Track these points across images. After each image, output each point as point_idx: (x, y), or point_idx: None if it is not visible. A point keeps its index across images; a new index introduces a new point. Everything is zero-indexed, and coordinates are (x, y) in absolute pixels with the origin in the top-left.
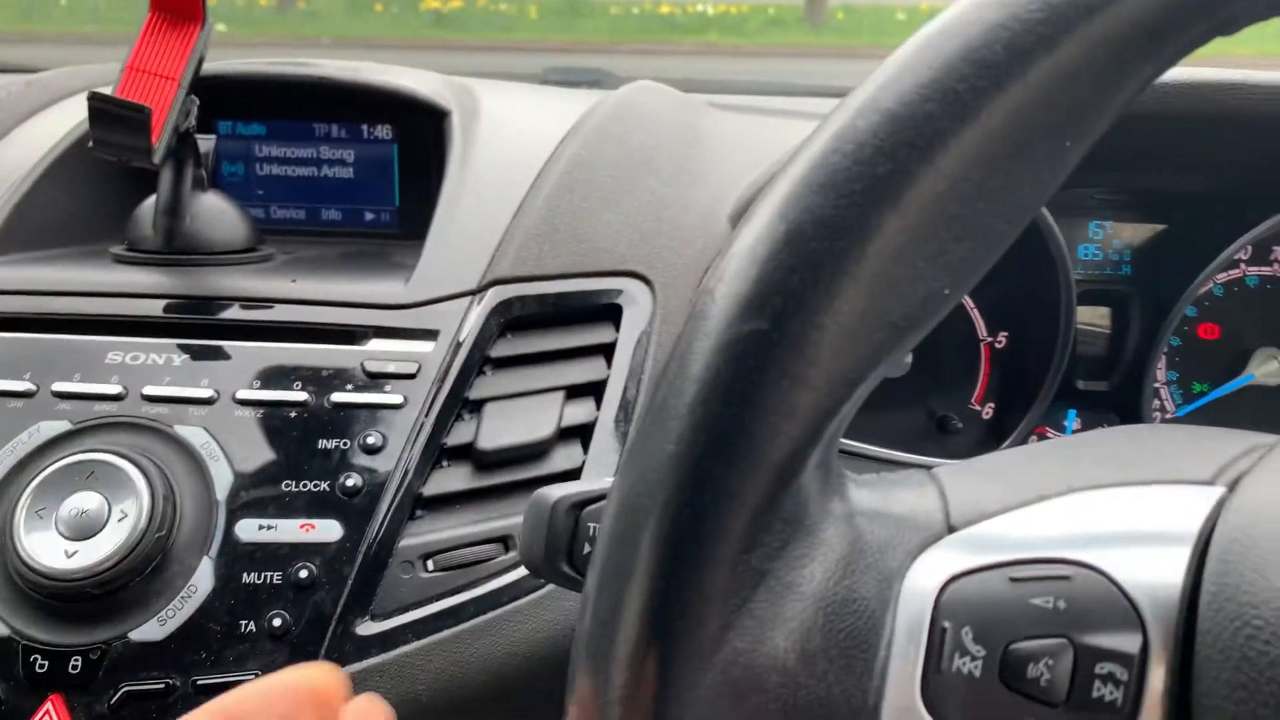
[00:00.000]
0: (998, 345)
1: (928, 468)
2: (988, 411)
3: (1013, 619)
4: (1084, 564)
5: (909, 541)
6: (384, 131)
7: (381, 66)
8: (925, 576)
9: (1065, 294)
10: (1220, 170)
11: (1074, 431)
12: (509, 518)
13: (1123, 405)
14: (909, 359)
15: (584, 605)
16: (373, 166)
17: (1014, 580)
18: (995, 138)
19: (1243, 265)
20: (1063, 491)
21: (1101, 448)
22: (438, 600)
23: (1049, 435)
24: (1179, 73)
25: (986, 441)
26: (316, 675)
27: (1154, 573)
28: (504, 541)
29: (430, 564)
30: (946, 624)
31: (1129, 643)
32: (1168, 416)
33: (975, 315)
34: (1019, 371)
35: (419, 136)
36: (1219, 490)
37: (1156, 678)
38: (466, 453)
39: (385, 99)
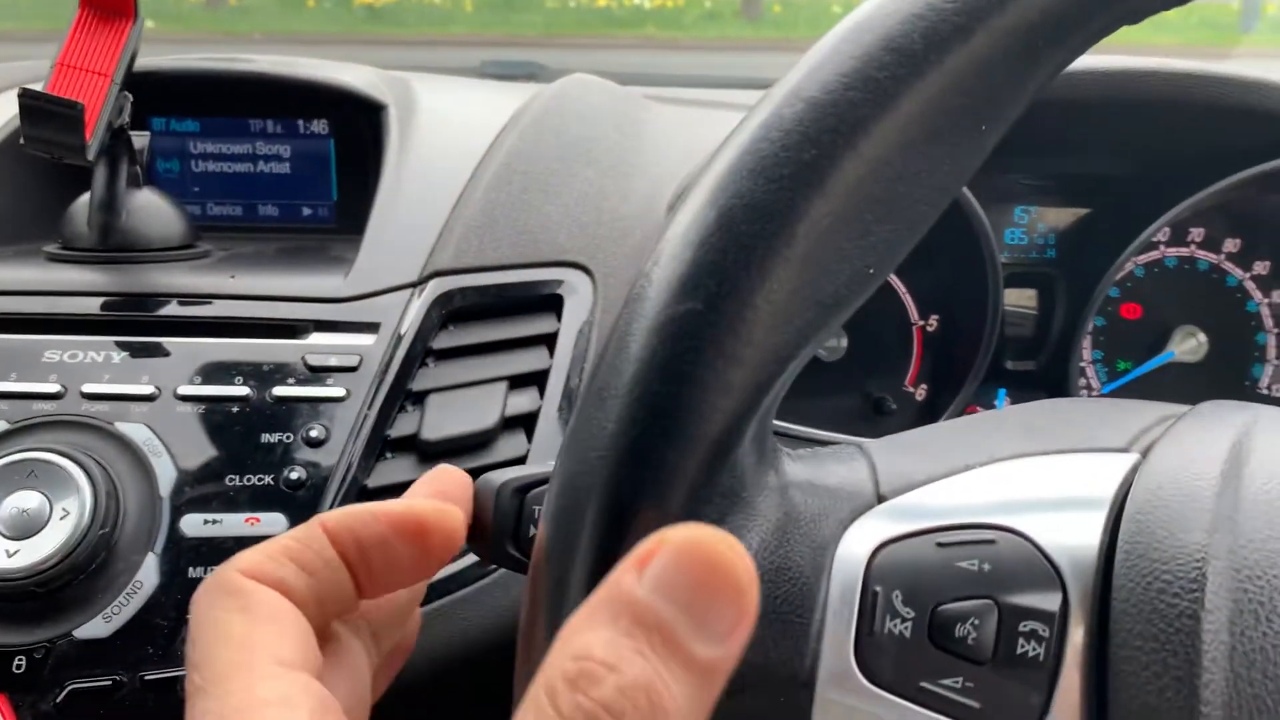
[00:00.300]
0: (929, 328)
1: None
2: (921, 393)
3: (940, 582)
4: (1007, 528)
5: (841, 511)
6: (320, 126)
7: (316, 62)
8: (857, 544)
9: (992, 278)
10: (1140, 155)
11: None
12: None
13: (1050, 384)
14: (844, 343)
15: (529, 584)
16: (309, 162)
17: (941, 545)
18: (914, 123)
19: (1162, 247)
20: (986, 461)
21: (1023, 420)
22: None
23: None
24: (1096, 60)
25: (920, 422)
26: (411, 506)
27: (1073, 535)
28: None
29: None
30: (878, 588)
31: (1050, 601)
32: (1094, 394)
33: (907, 299)
34: (950, 353)
35: (355, 131)
36: (1133, 457)
37: (1076, 633)
38: (411, 444)
39: (321, 94)
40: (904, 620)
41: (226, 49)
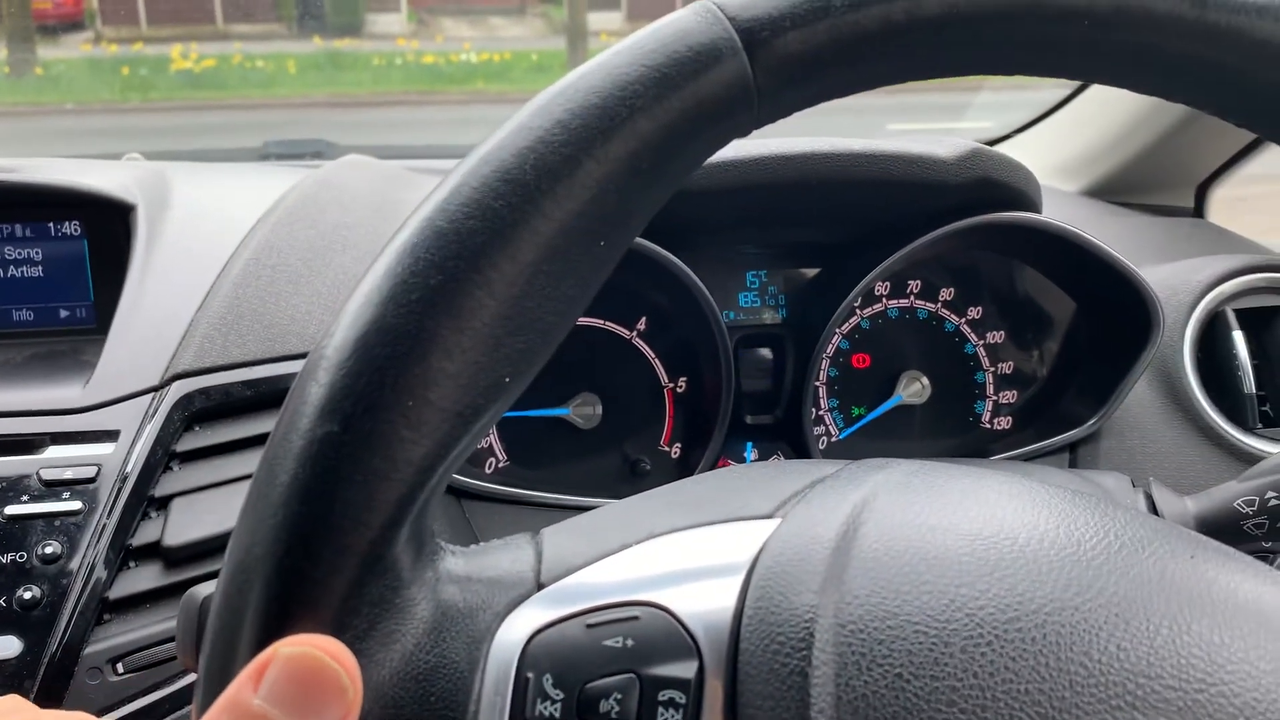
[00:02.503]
0: (679, 390)
1: None
2: (675, 451)
3: (588, 661)
4: (650, 604)
5: (498, 603)
6: (72, 228)
7: (64, 162)
8: (513, 633)
9: (720, 342)
10: (848, 223)
11: (752, 462)
12: None
13: (789, 434)
14: (599, 410)
15: (194, 697)
16: (63, 264)
17: (590, 626)
18: (534, 245)
19: (884, 300)
20: (643, 538)
21: (687, 494)
22: (129, 702)
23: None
24: (776, 145)
25: (677, 478)
26: None
27: (709, 603)
28: None
29: (120, 666)
30: (530, 674)
31: (686, 669)
32: (833, 440)
33: (657, 364)
34: (698, 412)
35: (110, 230)
36: (775, 522)
37: (713, 697)
38: (156, 551)
39: (70, 197)
40: (554, 702)
41: (35, 120)
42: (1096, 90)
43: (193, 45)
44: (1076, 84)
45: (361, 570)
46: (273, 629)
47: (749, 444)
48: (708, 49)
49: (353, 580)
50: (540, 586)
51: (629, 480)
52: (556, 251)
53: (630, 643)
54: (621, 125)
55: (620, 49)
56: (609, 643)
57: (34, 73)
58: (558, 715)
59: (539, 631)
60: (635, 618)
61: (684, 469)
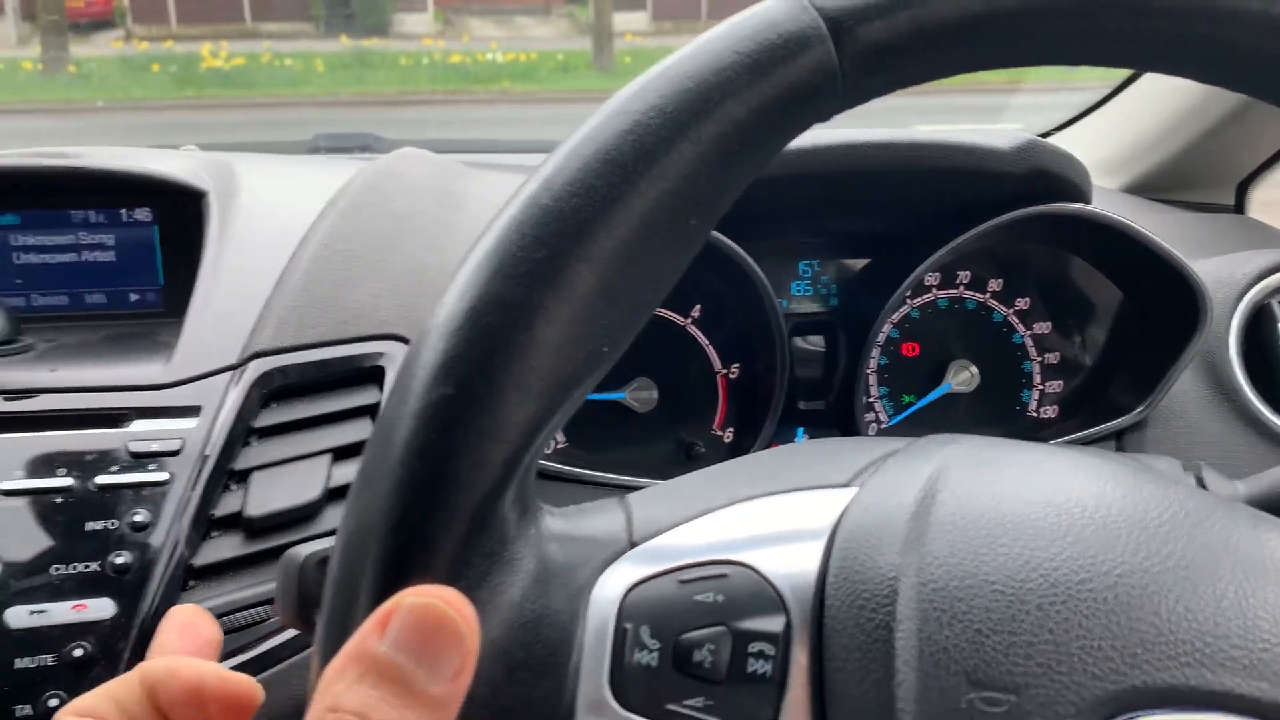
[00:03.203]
0: (731, 376)
1: None
2: (728, 436)
3: (682, 614)
4: (738, 563)
5: (595, 559)
6: (143, 214)
7: (137, 151)
8: (610, 588)
9: (776, 329)
10: (905, 211)
11: None
12: None
13: (840, 421)
14: (655, 394)
15: (315, 647)
16: (134, 249)
17: (682, 582)
18: (630, 222)
19: (934, 290)
20: (726, 503)
21: (765, 464)
22: None
23: None
24: (838, 134)
25: None
26: (202, 676)
27: (795, 564)
28: None
29: None
30: (628, 625)
31: (774, 624)
32: (883, 427)
33: (710, 351)
34: (751, 398)
35: (180, 216)
36: (853, 491)
37: (800, 651)
38: (236, 521)
39: (142, 183)
40: (651, 651)
41: (68, 118)
42: (1137, 88)
43: (222, 43)
44: (1117, 82)
45: (473, 526)
46: (392, 581)
47: (800, 430)
48: (797, 37)
49: (465, 535)
50: (633, 545)
51: (683, 463)
52: (652, 228)
53: (721, 598)
54: (715, 108)
55: (712, 36)
56: (700, 597)
57: (67, 70)
58: (655, 664)
59: (635, 586)
60: (724, 575)
61: (736, 453)
